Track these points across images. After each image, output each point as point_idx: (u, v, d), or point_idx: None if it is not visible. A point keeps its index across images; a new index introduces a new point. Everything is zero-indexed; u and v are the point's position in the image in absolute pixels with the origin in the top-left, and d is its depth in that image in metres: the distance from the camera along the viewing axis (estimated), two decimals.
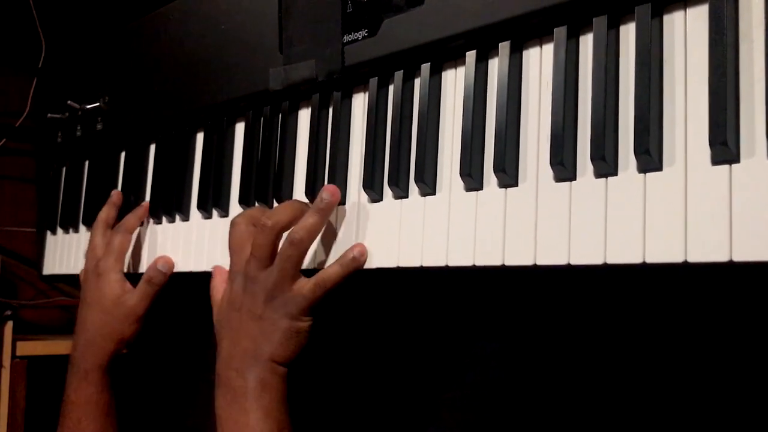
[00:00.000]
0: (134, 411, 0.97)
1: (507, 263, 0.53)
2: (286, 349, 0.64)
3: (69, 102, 1.01)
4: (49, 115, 1.05)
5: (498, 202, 0.55)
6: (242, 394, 0.63)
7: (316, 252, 0.68)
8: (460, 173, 0.57)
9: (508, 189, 0.55)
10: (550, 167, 0.52)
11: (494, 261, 0.54)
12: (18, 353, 1.08)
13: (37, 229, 1.12)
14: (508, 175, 0.54)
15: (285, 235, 0.64)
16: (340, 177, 0.67)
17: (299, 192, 0.72)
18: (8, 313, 1.07)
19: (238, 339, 0.65)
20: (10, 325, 1.07)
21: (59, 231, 1.07)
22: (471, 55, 0.58)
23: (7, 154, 1.38)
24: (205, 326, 0.73)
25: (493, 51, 0.58)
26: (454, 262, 0.57)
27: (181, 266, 0.84)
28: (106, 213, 0.90)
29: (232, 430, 0.63)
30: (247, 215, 0.69)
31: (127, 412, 0.87)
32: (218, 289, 0.72)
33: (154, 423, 1.00)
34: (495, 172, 0.55)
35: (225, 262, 0.77)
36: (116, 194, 0.92)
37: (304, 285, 0.63)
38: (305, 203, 0.68)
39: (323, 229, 0.66)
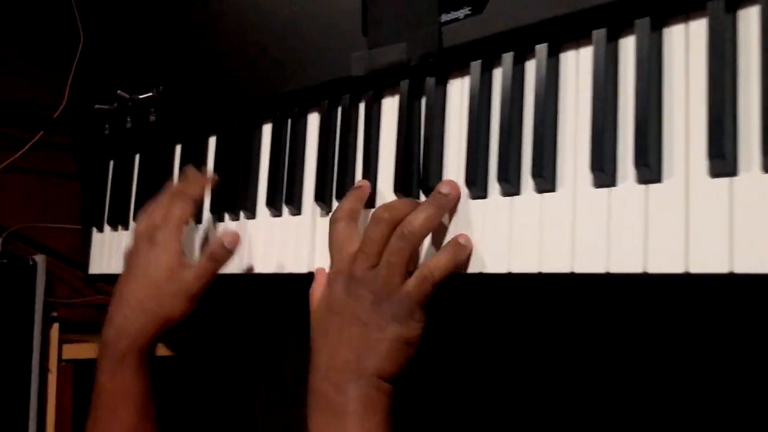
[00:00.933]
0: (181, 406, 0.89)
1: (649, 270, 0.47)
2: (394, 363, 0.56)
3: (118, 92, 0.95)
4: (96, 105, 0.99)
5: (637, 199, 0.48)
6: (342, 414, 0.56)
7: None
8: (591, 167, 0.50)
9: (650, 185, 0.48)
10: (708, 159, 0.45)
11: (634, 267, 0.47)
12: (64, 356, 1.03)
13: (82, 227, 1.07)
14: (651, 170, 0.47)
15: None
16: (434, 171, 0.61)
17: (384, 188, 0.66)
18: (54, 314, 1.01)
19: (338, 348, 0.58)
20: (56, 327, 1.01)
21: (107, 228, 1.01)
22: (600, 34, 0.51)
23: (43, 148, 1.33)
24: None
25: (626, 30, 0.51)
26: (582, 268, 0.50)
27: (245, 267, 0.78)
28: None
29: None
30: (346, 211, 0.62)
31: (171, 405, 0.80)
32: (317, 292, 0.64)
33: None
34: (637, 166, 0.48)
35: (297, 263, 0.72)
36: (191, 171, 0.82)
37: (409, 282, 0.56)
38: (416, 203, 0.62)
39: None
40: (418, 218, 0.56)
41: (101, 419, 0.71)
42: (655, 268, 0.46)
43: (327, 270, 0.64)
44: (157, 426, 0.73)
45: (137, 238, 0.76)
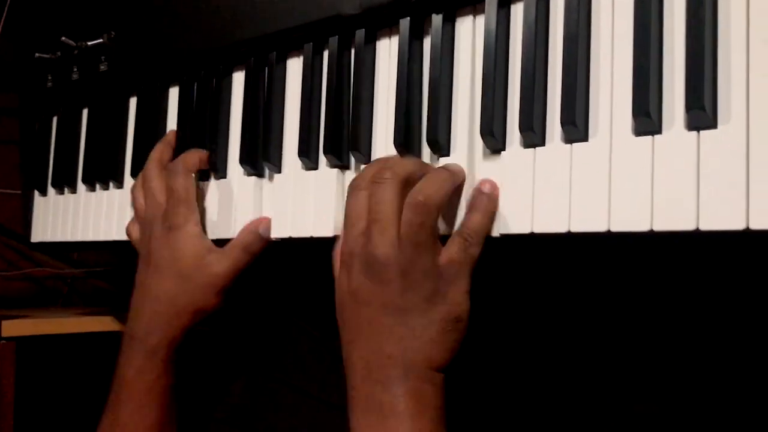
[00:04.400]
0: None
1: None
2: (445, 347, 0.49)
3: (63, 39, 0.85)
4: (37, 54, 0.89)
5: (688, 148, 0.42)
6: (392, 415, 0.48)
7: None
8: (633, 112, 0.44)
9: (702, 132, 0.42)
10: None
11: (685, 225, 0.42)
12: (3, 334, 0.93)
13: (22, 190, 0.96)
14: (707, 113, 0.42)
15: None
16: (442, 122, 0.54)
17: (383, 144, 0.59)
18: None
19: (376, 342, 0.50)
20: None
21: (51, 191, 0.91)
22: None
23: None
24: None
25: None
26: (620, 226, 0.44)
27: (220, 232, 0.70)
28: (160, 151, 0.72)
29: None
30: (368, 176, 0.52)
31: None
32: (337, 276, 0.55)
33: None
34: (689, 110, 0.42)
35: (280, 228, 0.64)
36: (171, 133, 0.75)
37: (447, 250, 0.49)
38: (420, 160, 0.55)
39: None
40: (433, 182, 0.50)
41: (124, 416, 0.66)
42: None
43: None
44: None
45: (145, 223, 0.70)
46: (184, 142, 0.73)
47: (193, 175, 0.69)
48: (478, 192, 0.50)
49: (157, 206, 0.68)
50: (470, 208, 0.50)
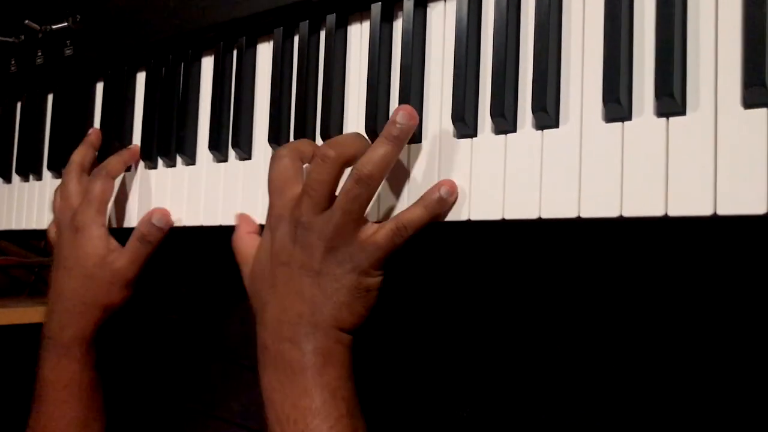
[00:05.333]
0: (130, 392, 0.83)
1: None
2: (353, 313, 0.51)
3: (26, 22, 0.83)
4: None
5: (657, 134, 0.43)
6: (300, 370, 0.50)
7: (380, 196, 0.55)
8: (603, 99, 0.44)
9: (671, 118, 0.43)
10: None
11: (654, 210, 0.42)
12: None
13: None
14: (676, 100, 0.42)
15: (347, 171, 0.51)
16: (414, 108, 0.54)
17: (353, 130, 0.58)
18: None
19: (289, 301, 0.52)
20: None
21: (15, 179, 0.89)
22: None
23: None
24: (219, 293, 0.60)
25: None
26: (590, 212, 0.45)
27: (185, 220, 0.69)
28: (81, 154, 0.75)
29: (290, 415, 0.50)
30: (293, 147, 0.55)
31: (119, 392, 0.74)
32: (247, 241, 0.58)
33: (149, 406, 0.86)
34: (658, 97, 0.42)
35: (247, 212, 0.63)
36: (94, 132, 0.77)
37: (377, 231, 0.51)
38: (366, 138, 0.55)
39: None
40: (374, 158, 0.50)
41: (46, 413, 0.68)
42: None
43: (250, 217, 0.60)
44: (105, 416, 0.69)
45: (59, 225, 0.72)
46: (109, 142, 0.76)
47: (115, 179, 0.71)
48: (433, 190, 0.50)
49: (68, 208, 0.70)
50: (419, 200, 0.51)
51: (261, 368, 0.53)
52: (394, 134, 0.50)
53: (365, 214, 0.51)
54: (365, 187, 0.50)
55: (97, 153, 0.77)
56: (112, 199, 0.74)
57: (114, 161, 0.72)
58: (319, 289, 0.51)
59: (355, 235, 0.51)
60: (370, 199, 0.51)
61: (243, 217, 0.61)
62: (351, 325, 0.52)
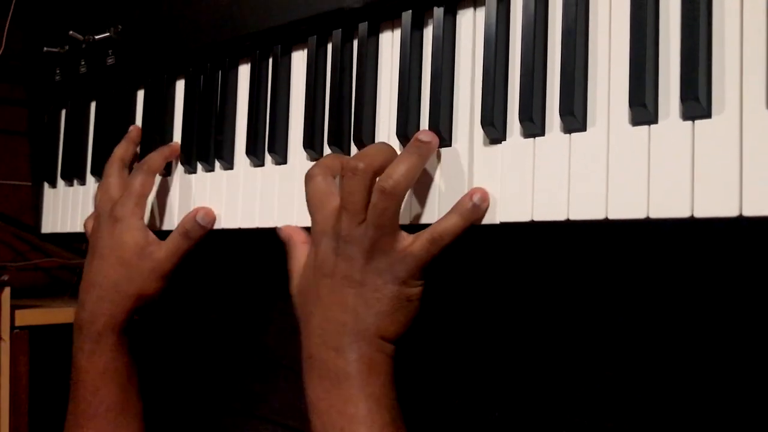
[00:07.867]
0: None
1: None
2: (395, 322, 0.53)
3: (70, 33, 0.86)
4: (45, 49, 0.90)
5: (683, 137, 0.44)
6: (345, 379, 0.52)
7: (410, 200, 0.56)
8: (630, 102, 0.45)
9: (696, 121, 0.43)
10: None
11: (681, 212, 0.43)
12: (17, 323, 0.95)
13: (32, 182, 0.98)
14: (701, 103, 0.43)
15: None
16: (444, 115, 0.55)
17: (384, 135, 0.60)
18: (5, 278, 0.93)
19: (333, 311, 0.53)
20: (7, 291, 0.93)
21: (60, 183, 0.93)
22: None
23: None
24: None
25: None
26: (617, 214, 0.46)
27: (223, 223, 0.71)
28: (123, 149, 0.78)
29: (336, 423, 0.51)
30: (322, 165, 0.57)
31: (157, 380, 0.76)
32: (297, 255, 0.59)
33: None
34: (684, 101, 0.43)
35: (282, 216, 0.66)
36: (135, 129, 0.80)
37: (414, 241, 0.52)
38: (392, 147, 0.56)
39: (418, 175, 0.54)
40: (399, 170, 0.51)
41: (83, 400, 0.70)
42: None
43: (300, 228, 0.61)
44: (142, 399, 0.71)
45: (98, 216, 0.74)
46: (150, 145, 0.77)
47: (158, 175, 0.74)
48: (466, 198, 0.52)
49: (108, 200, 0.73)
50: (452, 209, 0.52)
51: (306, 377, 0.55)
52: (417, 147, 0.52)
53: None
54: (390, 200, 0.51)
55: (138, 149, 0.79)
56: (153, 201, 0.77)
57: (155, 157, 0.74)
58: (362, 299, 0.53)
59: (393, 246, 0.52)
60: (399, 211, 0.52)
61: (293, 232, 0.61)
62: (393, 334, 0.53)
